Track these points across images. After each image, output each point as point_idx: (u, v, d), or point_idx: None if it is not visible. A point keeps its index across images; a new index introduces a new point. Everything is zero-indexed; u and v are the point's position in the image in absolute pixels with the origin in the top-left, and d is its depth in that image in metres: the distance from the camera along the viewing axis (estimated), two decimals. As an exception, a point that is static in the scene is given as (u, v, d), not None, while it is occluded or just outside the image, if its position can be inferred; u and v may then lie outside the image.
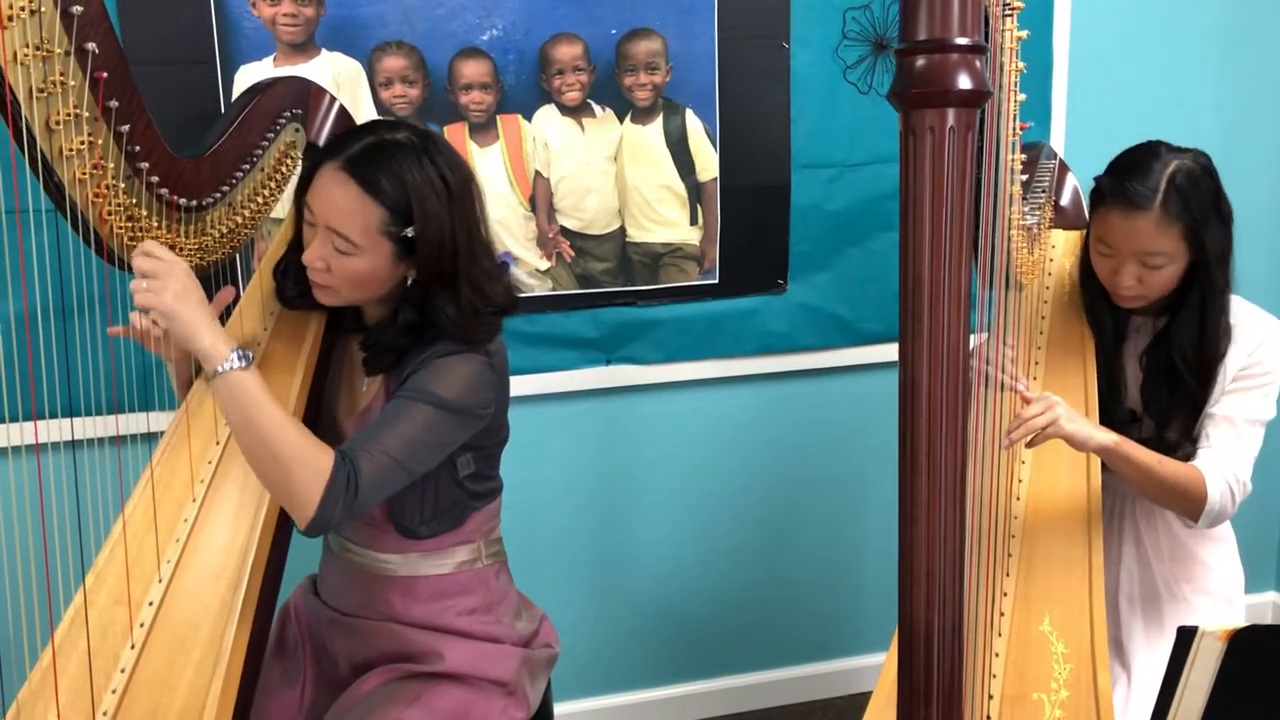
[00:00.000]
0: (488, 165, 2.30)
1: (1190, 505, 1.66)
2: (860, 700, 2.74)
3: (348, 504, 1.41)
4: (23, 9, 1.23)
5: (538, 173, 2.33)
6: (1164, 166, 1.64)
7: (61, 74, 1.29)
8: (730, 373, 2.53)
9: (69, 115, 1.31)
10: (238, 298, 1.69)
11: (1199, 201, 1.63)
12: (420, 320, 1.54)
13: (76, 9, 1.28)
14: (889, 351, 2.59)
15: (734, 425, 2.59)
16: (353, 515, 1.44)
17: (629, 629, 2.62)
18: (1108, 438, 1.63)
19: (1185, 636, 0.98)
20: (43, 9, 1.25)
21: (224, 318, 1.58)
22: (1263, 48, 2.68)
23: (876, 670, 2.73)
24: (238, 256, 1.81)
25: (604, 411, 2.51)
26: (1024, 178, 1.71)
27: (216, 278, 1.59)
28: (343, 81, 2.18)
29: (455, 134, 2.27)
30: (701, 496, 2.61)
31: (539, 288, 2.38)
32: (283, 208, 1.75)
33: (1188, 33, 2.62)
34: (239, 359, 1.39)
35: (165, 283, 1.39)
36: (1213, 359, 1.70)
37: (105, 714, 1.40)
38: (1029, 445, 1.63)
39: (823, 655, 2.77)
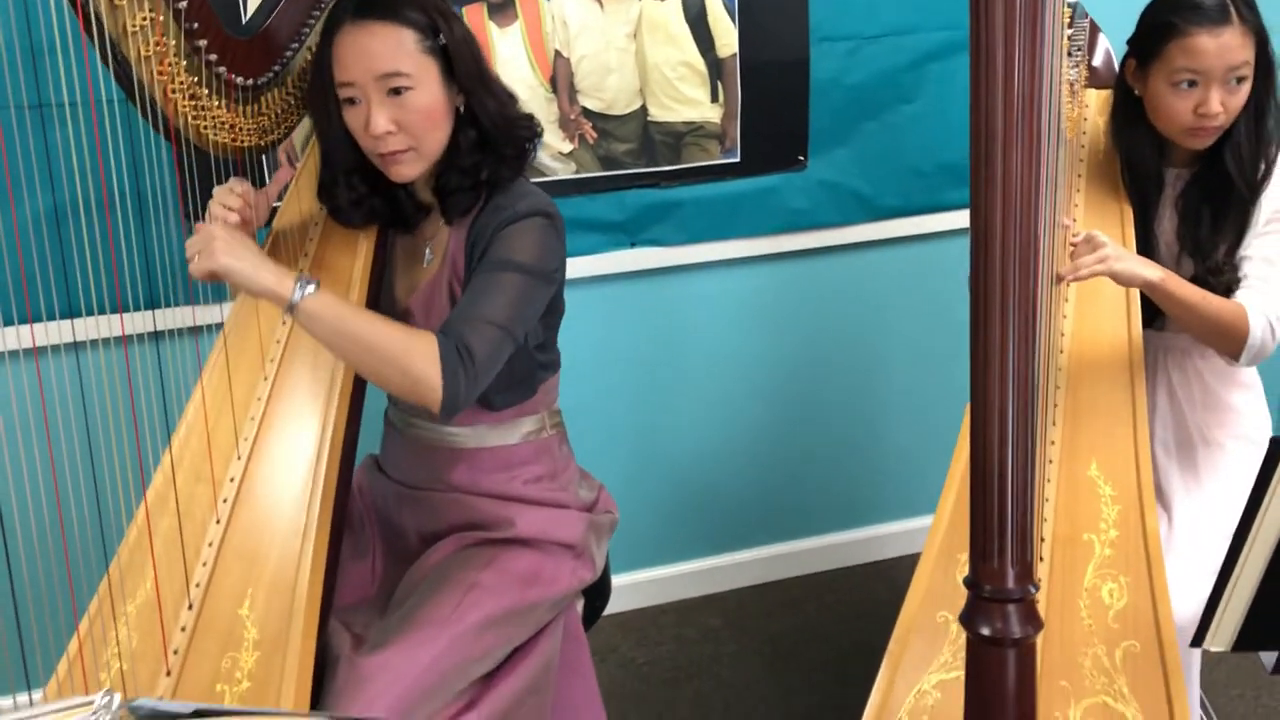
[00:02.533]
0: (507, 46, 2.29)
1: (1232, 342, 1.72)
2: (882, 567, 2.84)
3: (469, 377, 1.44)
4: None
5: (558, 52, 2.33)
6: None
7: (121, -49, 1.28)
8: (753, 252, 2.56)
9: (131, -9, 1.30)
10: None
11: (1256, 11, 1.72)
12: (479, 136, 1.57)
13: (134, -122, 1.26)
14: (907, 226, 2.63)
15: (757, 303, 2.62)
16: (480, 389, 1.47)
17: (662, 503, 2.69)
18: (1154, 273, 1.68)
19: (1276, 448, 1.03)
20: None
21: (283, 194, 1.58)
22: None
23: (896, 538, 2.85)
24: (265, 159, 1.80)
25: (630, 294, 2.54)
26: (1069, 31, 1.73)
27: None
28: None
29: (474, 15, 2.25)
30: (727, 374, 2.66)
31: (562, 171, 2.39)
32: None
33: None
34: (304, 287, 1.39)
35: (211, 245, 1.40)
36: (1270, 159, 1.76)
37: (198, 585, 1.44)
38: (1076, 279, 1.67)
39: (844, 525, 2.85)
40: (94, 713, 0.64)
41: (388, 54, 1.49)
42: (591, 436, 2.59)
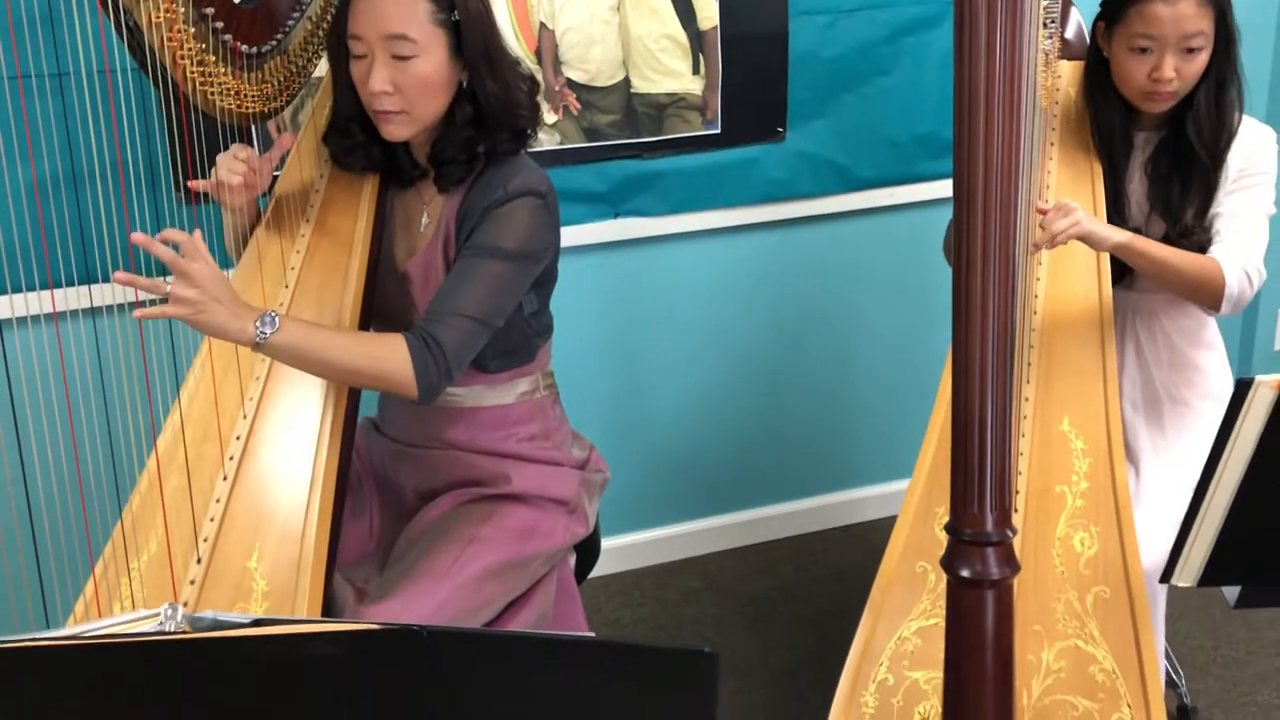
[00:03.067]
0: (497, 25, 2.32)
1: (1210, 294, 1.80)
2: (859, 529, 2.92)
3: (440, 369, 1.52)
4: None
5: (542, 25, 2.37)
6: None
7: (131, -83, 1.32)
8: (734, 222, 2.62)
9: (141, -42, 1.34)
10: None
11: None
12: (475, 113, 1.62)
13: None
14: (883, 196, 2.70)
15: (738, 272, 2.68)
16: (455, 378, 1.55)
17: (643, 470, 2.75)
18: (1123, 235, 1.76)
19: (1241, 389, 1.10)
20: None
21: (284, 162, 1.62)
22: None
23: (872, 501, 2.93)
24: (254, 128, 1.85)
25: (613, 264, 2.59)
26: (1044, 2, 1.79)
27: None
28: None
29: (462, -11, 2.28)
30: (708, 342, 2.72)
31: (547, 142, 2.43)
32: (323, 67, 1.78)
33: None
34: (266, 325, 1.41)
35: (188, 292, 1.37)
36: (1230, 129, 1.84)
37: (206, 540, 1.49)
38: (1050, 246, 1.74)
39: (822, 489, 2.92)
40: (161, 623, 0.69)
41: (399, 17, 1.54)
42: (575, 403, 2.63)
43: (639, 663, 0.73)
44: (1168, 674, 2.21)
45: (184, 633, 0.66)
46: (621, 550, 2.77)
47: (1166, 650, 2.23)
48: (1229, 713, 2.23)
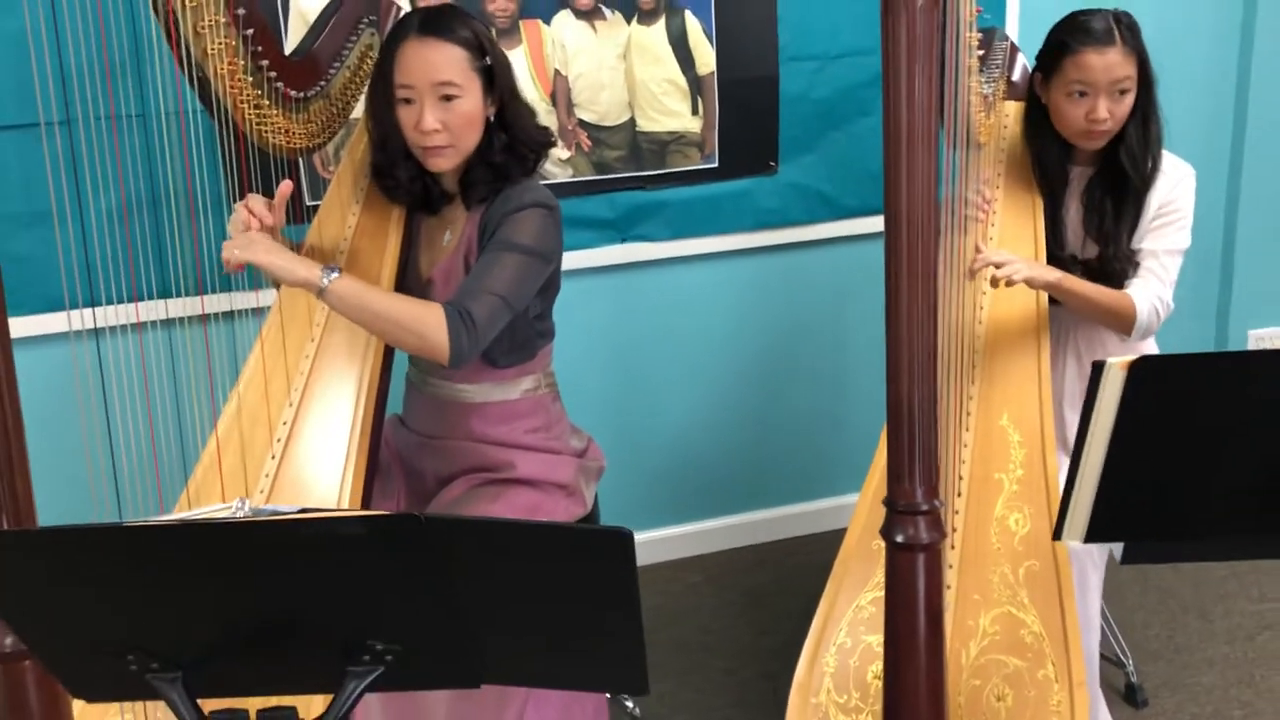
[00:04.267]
0: (513, 66, 2.61)
1: (1123, 322, 2.06)
2: (844, 533, 3.13)
3: (471, 337, 1.74)
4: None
5: (557, 71, 2.65)
6: (1108, 15, 2.03)
7: (204, -11, 1.61)
8: (730, 247, 2.88)
9: (211, 22, 1.63)
10: (298, 192, 2.00)
11: (1139, 36, 2.03)
12: (509, 140, 1.90)
13: (212, -64, 1.59)
14: (867, 224, 2.94)
15: (734, 292, 2.94)
16: (483, 346, 1.79)
17: (647, 474, 3.00)
18: (1054, 275, 2.01)
19: (1097, 371, 1.34)
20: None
21: (289, 207, 1.84)
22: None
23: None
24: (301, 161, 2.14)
25: (620, 284, 2.86)
26: (981, 53, 2.04)
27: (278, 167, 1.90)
28: (386, -5, 2.48)
29: (484, 39, 2.57)
30: (708, 357, 2.98)
31: (560, 175, 2.71)
32: (359, 109, 2.05)
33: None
34: (329, 273, 1.69)
35: (253, 245, 1.69)
36: (1156, 159, 2.08)
37: (262, 491, 1.75)
38: (993, 285, 1.99)
39: (813, 495, 3.16)
40: (233, 512, 0.95)
41: (445, 66, 1.81)
42: (585, 410, 2.89)
43: (573, 539, 0.98)
44: (1115, 653, 2.43)
45: (249, 518, 0.93)
46: (629, 548, 3.01)
47: (1115, 631, 2.45)
48: (1174, 691, 2.43)
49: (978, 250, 2.01)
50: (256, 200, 1.79)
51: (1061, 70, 2.04)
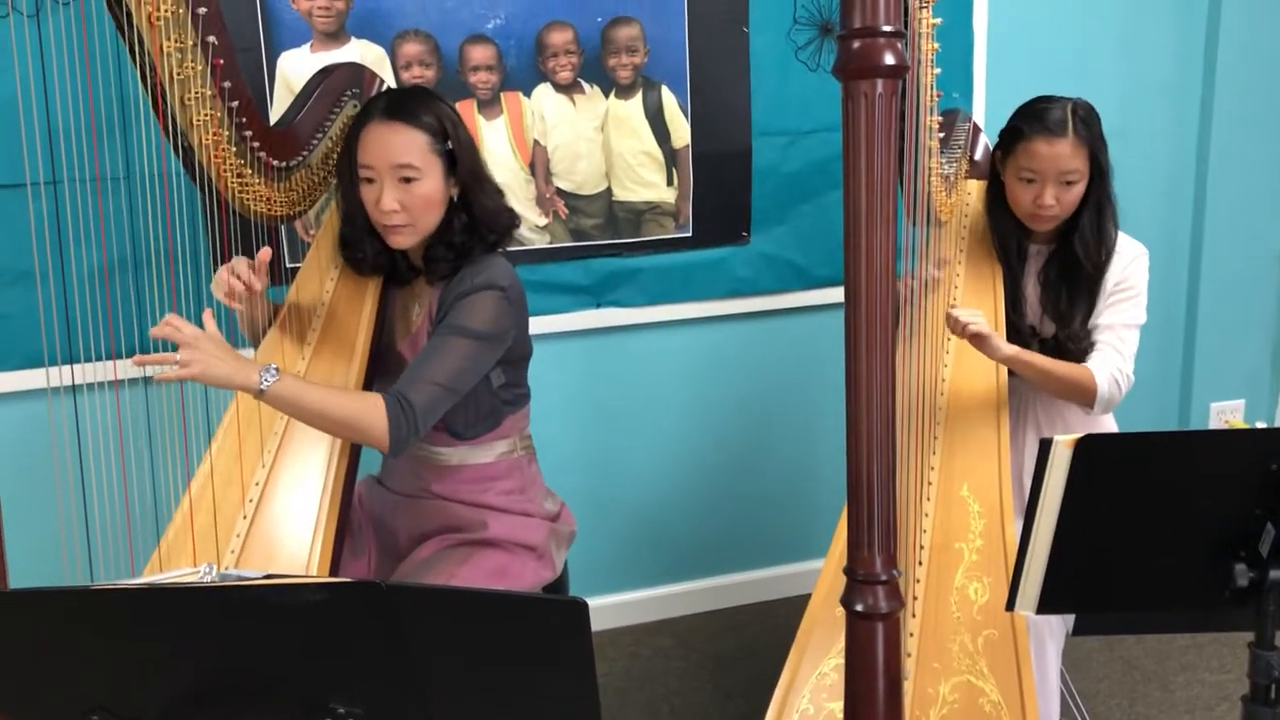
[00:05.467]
0: (494, 136, 2.68)
1: (1085, 395, 2.11)
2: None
3: (411, 426, 1.77)
4: (168, 11, 1.60)
5: (536, 142, 2.72)
6: (1065, 105, 2.08)
7: (191, 62, 1.66)
8: (703, 313, 2.94)
9: (198, 94, 1.68)
10: (278, 255, 2.03)
11: (1095, 128, 2.08)
12: (470, 220, 1.92)
13: (202, 10, 1.65)
14: (836, 294, 3.01)
15: (707, 358, 3.00)
16: (421, 434, 1.80)
17: (618, 539, 3.03)
18: (1011, 349, 2.06)
19: (1045, 448, 1.39)
20: (180, 11, 1.62)
21: (273, 268, 1.87)
22: (1155, 31, 3.12)
23: (829, 572, 3.17)
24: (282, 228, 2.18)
25: (595, 349, 2.91)
26: (942, 135, 2.11)
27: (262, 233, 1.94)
28: (369, 65, 2.55)
29: (465, 109, 2.64)
30: (681, 421, 3.02)
31: (538, 241, 2.77)
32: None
33: (1094, 14, 3.05)
34: (266, 376, 1.67)
35: (192, 355, 1.61)
36: (1109, 247, 2.13)
37: (233, 551, 1.77)
38: (955, 333, 2.04)
39: (782, 559, 3.19)
40: (200, 576, 0.98)
41: (404, 149, 1.85)
42: (559, 474, 2.93)
43: (530, 608, 1.01)
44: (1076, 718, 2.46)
45: (215, 584, 0.96)
46: (598, 610, 3.03)
47: (1077, 700, 2.48)
48: (1133, 760, 2.46)
49: (951, 306, 2.06)
50: (241, 263, 1.81)
51: (1014, 154, 2.11)
